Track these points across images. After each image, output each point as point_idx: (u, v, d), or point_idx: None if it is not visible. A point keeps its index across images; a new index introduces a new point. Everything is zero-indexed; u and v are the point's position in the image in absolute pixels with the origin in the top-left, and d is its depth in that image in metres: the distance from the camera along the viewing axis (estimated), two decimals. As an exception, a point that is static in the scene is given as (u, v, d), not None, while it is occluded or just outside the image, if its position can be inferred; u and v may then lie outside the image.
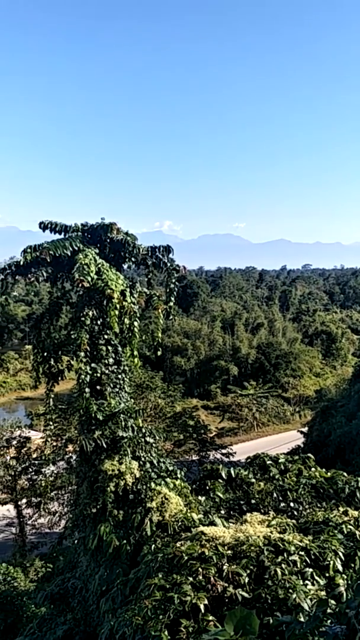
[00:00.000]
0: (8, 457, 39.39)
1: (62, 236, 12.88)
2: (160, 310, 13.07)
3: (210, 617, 7.15)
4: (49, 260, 12.20)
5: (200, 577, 7.62)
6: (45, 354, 13.24)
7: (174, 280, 13.21)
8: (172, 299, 13.24)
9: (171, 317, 13.36)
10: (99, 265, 12.10)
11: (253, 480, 13.39)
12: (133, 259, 13.19)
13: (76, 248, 12.33)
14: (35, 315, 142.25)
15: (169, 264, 13.23)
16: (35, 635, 13.02)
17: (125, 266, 13.49)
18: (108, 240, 12.93)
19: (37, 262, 12.37)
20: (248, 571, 7.76)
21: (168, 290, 13.17)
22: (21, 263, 12.29)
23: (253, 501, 12.60)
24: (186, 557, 7.98)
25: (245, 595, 7.47)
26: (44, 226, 12.86)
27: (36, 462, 38.67)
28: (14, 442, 40.07)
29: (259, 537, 8.48)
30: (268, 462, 14.15)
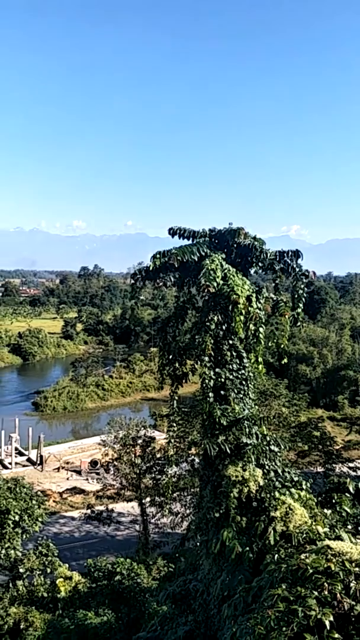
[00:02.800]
0: (134, 456, 40.77)
1: (189, 242, 13.08)
2: (287, 317, 12.80)
3: (336, 635, 6.86)
4: (176, 265, 12.43)
5: (326, 592, 7.34)
6: (170, 356, 13.48)
7: (302, 286, 12.87)
8: (300, 305, 12.93)
9: (299, 324, 13.05)
10: (225, 271, 12.11)
11: (383, 496, 12.74)
12: (260, 264, 13.06)
13: (203, 253, 12.46)
14: (160, 318, 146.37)
15: (297, 269, 12.93)
16: (157, 633, 13.29)
17: (252, 271, 13.40)
18: (235, 245, 12.92)
19: (166, 267, 12.66)
20: (377, 591, 7.37)
21: (296, 296, 12.87)
22: (150, 268, 12.62)
23: (383, 518, 11.99)
24: (311, 571, 7.73)
25: (374, 616, 7.10)
26: (172, 232, 13.12)
27: (160, 462, 39.65)
28: (140, 441, 41.39)
29: (389, 556, 8.02)
30: None
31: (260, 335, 12.35)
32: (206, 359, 11.93)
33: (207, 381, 11.90)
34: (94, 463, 59.56)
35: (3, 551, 24.90)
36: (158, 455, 39.89)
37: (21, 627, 23.83)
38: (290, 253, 12.97)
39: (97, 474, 55.94)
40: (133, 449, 41.09)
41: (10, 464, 61.15)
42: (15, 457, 62.59)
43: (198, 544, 13.59)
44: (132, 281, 13.33)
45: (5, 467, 59.85)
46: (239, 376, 12.41)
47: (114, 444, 42.39)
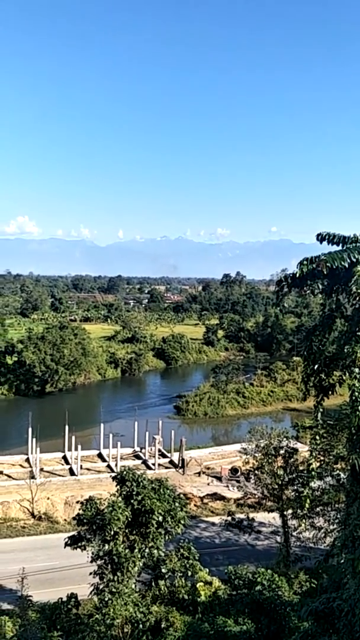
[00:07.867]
0: (276, 466, 40.18)
1: (339, 248, 12.66)
2: None
3: None
4: (325, 272, 12.08)
5: None
6: (316, 366, 13.10)
7: None
8: None
9: None
10: (379, 278, 11.57)
11: None
12: None
13: (354, 259, 11.98)
14: (304, 326, 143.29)
15: None
16: (299, 649, 12.96)
17: None
18: (390, 252, 12.29)
19: (313, 274, 12.33)
20: None
21: None
22: (297, 275, 12.38)
23: None
24: None
25: None
26: (321, 238, 12.79)
27: (303, 474, 38.65)
28: (282, 452, 40.70)
29: None
30: None
31: None
32: (357, 370, 11.44)
33: (357, 394, 11.40)
34: (234, 470, 59.67)
35: (147, 550, 25.73)
36: (301, 468, 38.94)
37: (162, 626, 24.47)
38: None
39: (238, 481, 55.91)
40: (275, 459, 40.51)
41: (153, 464, 63.24)
42: (159, 458, 64.60)
43: (343, 561, 13.03)
44: (277, 288, 13.16)
45: (149, 468, 61.96)
46: (392, 391, 11.73)
47: (255, 452, 42.10)
